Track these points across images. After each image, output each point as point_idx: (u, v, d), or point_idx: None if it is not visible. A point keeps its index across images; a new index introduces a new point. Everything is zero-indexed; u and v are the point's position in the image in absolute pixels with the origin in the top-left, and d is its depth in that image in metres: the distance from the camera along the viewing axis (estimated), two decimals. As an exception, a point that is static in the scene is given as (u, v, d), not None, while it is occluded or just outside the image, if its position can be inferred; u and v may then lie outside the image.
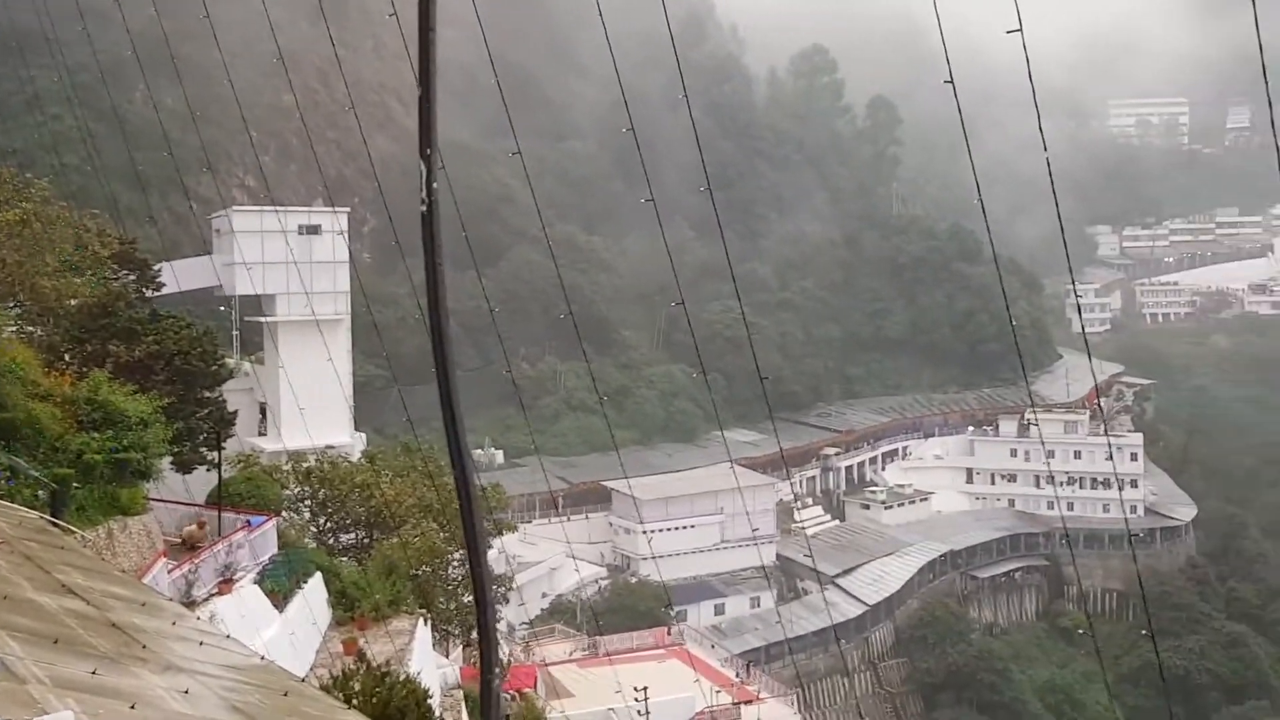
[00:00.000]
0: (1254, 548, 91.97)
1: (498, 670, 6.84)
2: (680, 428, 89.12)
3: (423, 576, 30.61)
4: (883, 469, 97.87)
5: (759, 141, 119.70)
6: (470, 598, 31.49)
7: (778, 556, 78.57)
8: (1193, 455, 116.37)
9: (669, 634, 56.95)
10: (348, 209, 61.90)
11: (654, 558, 73.55)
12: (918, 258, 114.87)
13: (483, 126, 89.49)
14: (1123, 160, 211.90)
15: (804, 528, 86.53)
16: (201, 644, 7.02)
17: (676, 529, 75.47)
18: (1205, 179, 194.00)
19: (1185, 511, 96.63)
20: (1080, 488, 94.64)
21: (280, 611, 21.49)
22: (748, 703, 45.03)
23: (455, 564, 31.89)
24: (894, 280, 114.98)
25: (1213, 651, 79.64)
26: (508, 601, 33.69)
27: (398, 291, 75.84)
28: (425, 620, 25.24)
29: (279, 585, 22.23)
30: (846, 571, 79.58)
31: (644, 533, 74.80)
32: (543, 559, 66.84)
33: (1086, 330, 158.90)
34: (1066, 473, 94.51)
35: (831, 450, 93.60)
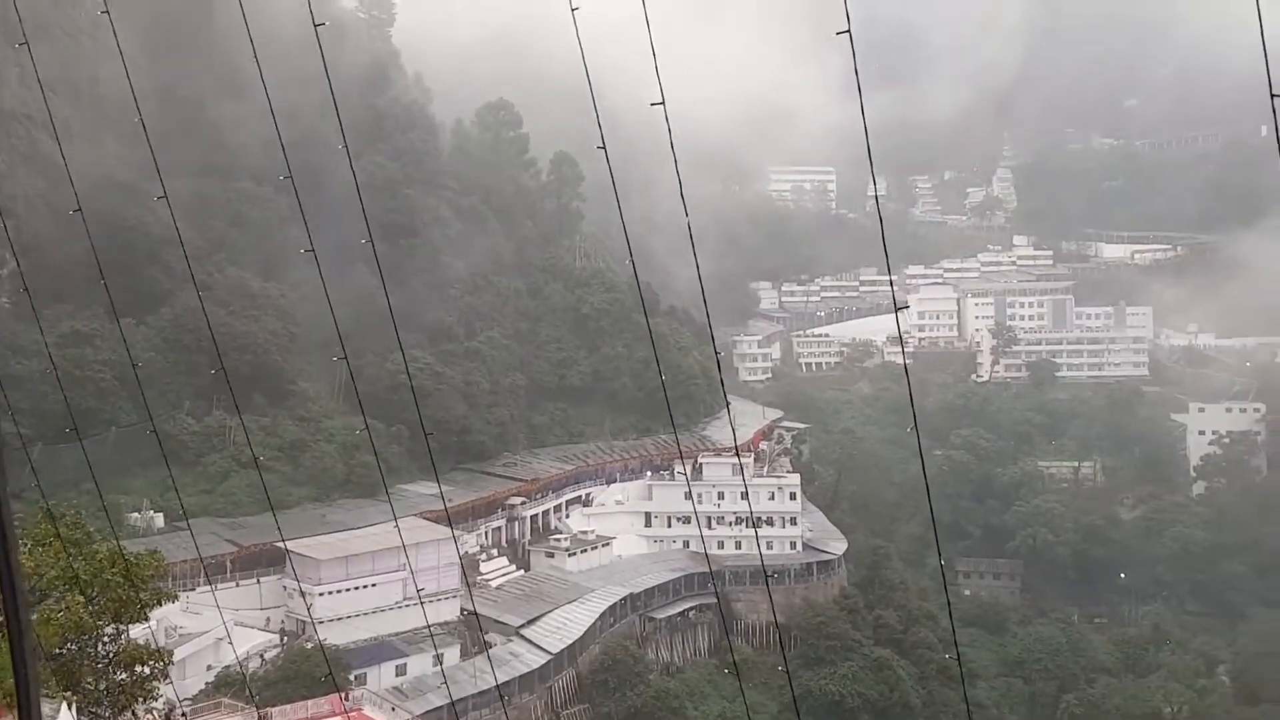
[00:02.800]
0: (896, 576, 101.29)
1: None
2: (362, 482, 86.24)
3: (67, 655, 27.59)
4: (567, 516, 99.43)
5: (445, 191, 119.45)
6: (124, 675, 28.75)
7: (462, 610, 77.54)
8: (843, 492, 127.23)
9: (346, 699, 54.57)
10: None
11: (329, 620, 70.40)
12: (600, 309, 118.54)
13: (148, 165, 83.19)
14: (780, 221, 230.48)
15: (489, 580, 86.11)
16: None
17: (357, 588, 72.73)
18: (850, 241, 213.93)
19: (838, 545, 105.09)
20: (747, 527, 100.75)
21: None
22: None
23: (106, 640, 28.96)
24: (578, 330, 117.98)
25: (863, 675, 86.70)
26: (167, 678, 30.95)
27: (41, 341, 68.69)
28: (69, 704, 22.69)
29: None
30: (531, 621, 79.83)
31: (321, 594, 71.51)
32: (208, 629, 62.11)
33: (750, 379, 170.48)
34: (734, 513, 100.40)
35: (517, 500, 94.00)
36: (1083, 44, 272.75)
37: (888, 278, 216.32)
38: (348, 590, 72.63)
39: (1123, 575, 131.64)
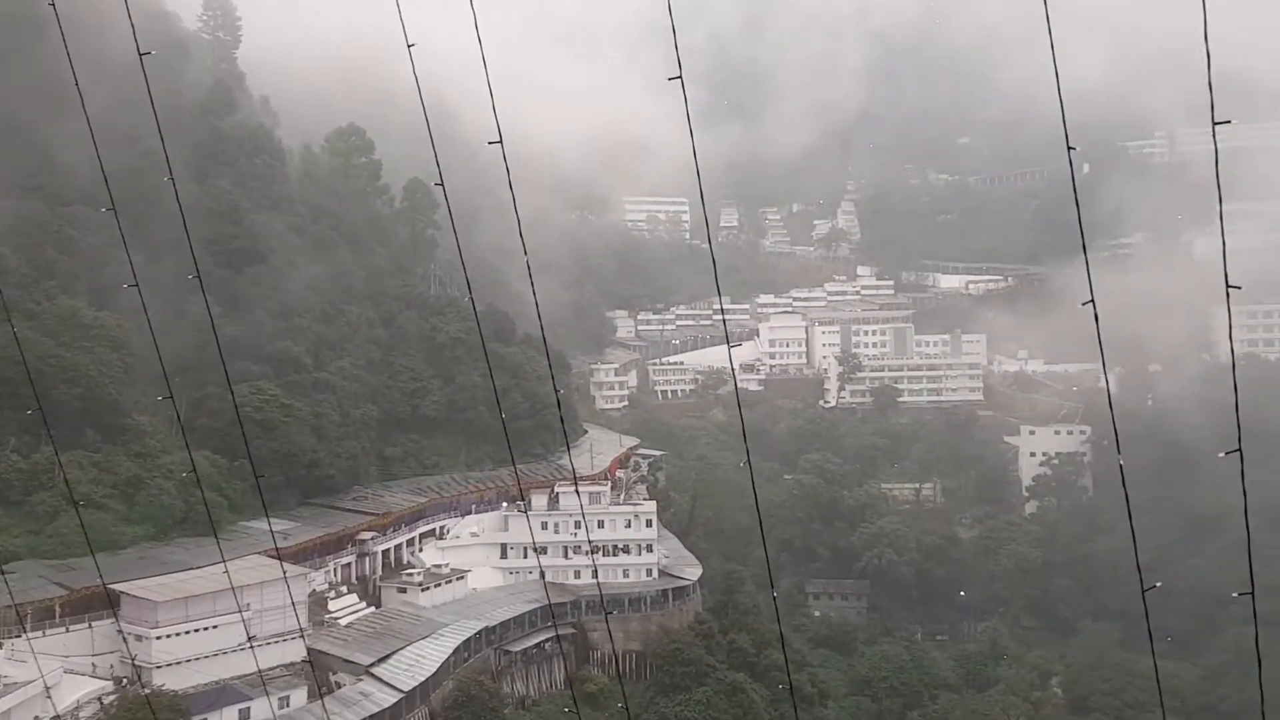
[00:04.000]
0: (749, 601, 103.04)
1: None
2: (203, 520, 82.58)
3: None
4: (420, 550, 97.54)
5: (294, 217, 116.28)
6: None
7: (309, 650, 75.02)
8: (698, 518, 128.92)
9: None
10: None
11: (167, 665, 67.22)
12: (455, 337, 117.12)
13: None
14: (636, 250, 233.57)
15: (338, 618, 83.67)
16: None
17: (197, 630, 69.57)
18: (703, 270, 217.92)
19: (692, 571, 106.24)
20: (604, 555, 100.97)
21: None
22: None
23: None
24: (432, 359, 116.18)
25: (718, 700, 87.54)
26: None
27: None
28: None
29: None
30: (382, 659, 77.79)
31: (158, 637, 68.18)
32: (35, 677, 58.37)
33: (607, 406, 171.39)
34: (591, 541, 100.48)
35: (368, 534, 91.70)
36: (918, 85, 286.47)
37: (741, 307, 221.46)
38: (187, 633, 69.39)
39: (962, 593, 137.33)
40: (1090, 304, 17.42)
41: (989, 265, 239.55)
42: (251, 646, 68.78)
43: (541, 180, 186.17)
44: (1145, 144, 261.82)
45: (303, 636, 73.89)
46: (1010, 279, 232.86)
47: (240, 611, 68.73)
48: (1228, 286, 15.82)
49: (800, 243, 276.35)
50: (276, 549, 70.66)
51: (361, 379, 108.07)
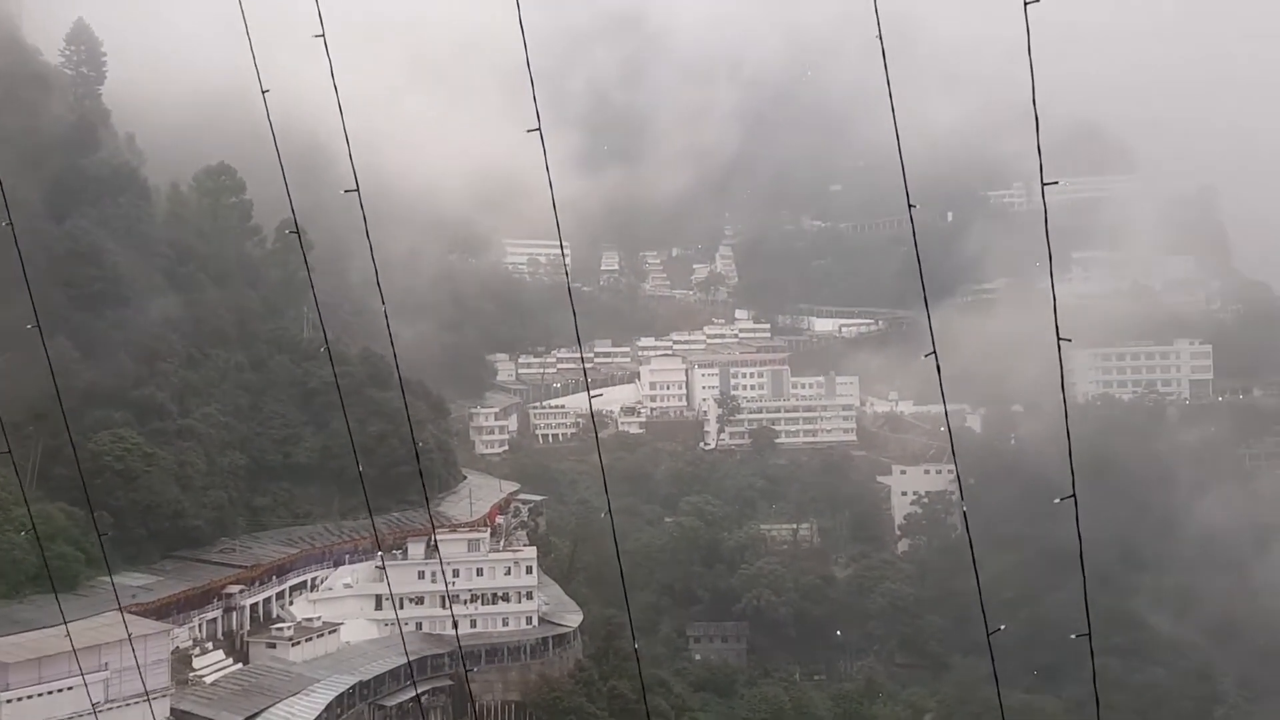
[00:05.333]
0: (628, 646, 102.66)
1: None
2: (59, 575, 78.23)
3: None
4: (290, 603, 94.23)
5: (160, 258, 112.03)
6: None
7: (172, 710, 71.56)
8: (579, 564, 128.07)
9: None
10: None
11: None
12: (329, 382, 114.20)
13: None
14: (517, 292, 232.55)
15: (203, 676, 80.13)
16: None
17: (51, 693, 65.64)
18: (584, 313, 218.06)
19: (573, 618, 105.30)
20: (482, 604, 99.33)
21: None
22: None
23: None
24: (305, 405, 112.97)
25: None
26: None
27: None
28: None
29: None
30: (251, 717, 74.71)
31: (9, 700, 64.13)
32: None
33: (487, 451, 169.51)
34: (470, 590, 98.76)
35: (236, 588, 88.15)
36: (790, 133, 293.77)
37: (622, 349, 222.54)
38: (40, 695, 65.45)
39: (839, 632, 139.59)
40: (933, 354, 18.40)
41: (860, 309, 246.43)
42: (109, 708, 65.39)
43: (418, 220, 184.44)
44: (1005, 193, 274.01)
45: (166, 696, 70.48)
46: (881, 322, 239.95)
47: (98, 671, 65.31)
48: (1059, 339, 16.94)
49: (680, 286, 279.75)
50: (120, 607, 67.27)
51: (229, 426, 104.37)
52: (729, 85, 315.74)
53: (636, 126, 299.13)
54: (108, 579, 79.38)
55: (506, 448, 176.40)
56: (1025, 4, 15.25)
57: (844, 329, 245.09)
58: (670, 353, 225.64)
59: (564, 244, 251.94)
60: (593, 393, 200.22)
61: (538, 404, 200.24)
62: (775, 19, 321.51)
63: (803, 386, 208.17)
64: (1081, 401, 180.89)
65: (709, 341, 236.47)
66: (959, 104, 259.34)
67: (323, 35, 18.41)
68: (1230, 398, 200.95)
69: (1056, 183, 16.21)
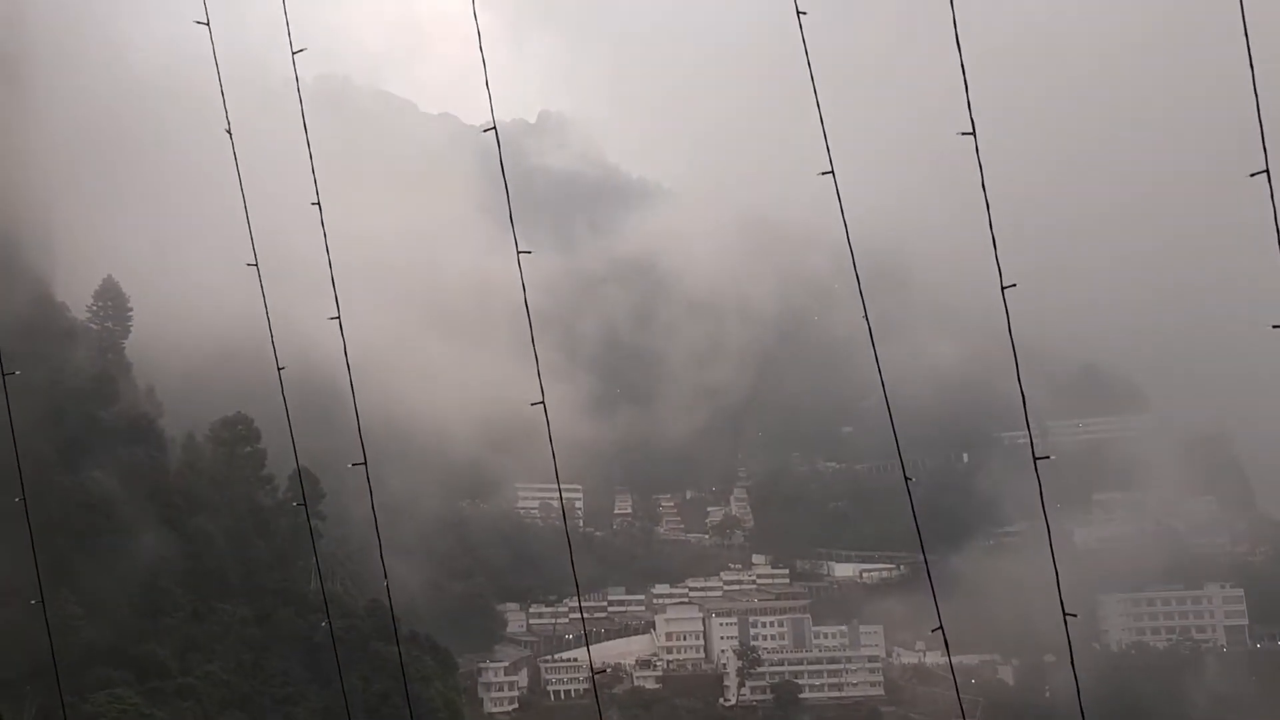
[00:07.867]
0: None
1: None
2: None
3: None
4: None
5: (171, 509, 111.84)
6: None
7: None
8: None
9: None
10: None
11: None
12: (335, 636, 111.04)
13: None
14: (528, 539, 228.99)
15: None
16: None
17: None
18: (598, 559, 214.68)
19: None
20: None
21: None
22: None
23: None
24: (309, 661, 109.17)
25: None
26: None
27: None
28: None
29: None
30: None
31: None
32: None
33: (496, 710, 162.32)
34: None
35: None
36: (799, 372, 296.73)
37: (637, 598, 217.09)
38: None
39: None
40: (939, 630, 17.44)
41: (880, 553, 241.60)
42: None
43: (429, 462, 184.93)
44: (1019, 434, 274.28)
45: None
46: (903, 567, 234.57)
47: None
48: (1064, 614, 16.06)
49: (695, 530, 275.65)
50: None
51: (230, 684, 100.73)
52: (735, 323, 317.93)
53: (648, 367, 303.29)
54: None
55: (516, 705, 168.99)
56: (1003, 288, 15.20)
57: (864, 574, 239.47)
58: (686, 600, 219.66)
59: (576, 487, 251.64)
60: (607, 644, 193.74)
61: (548, 656, 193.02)
62: (774, 262, 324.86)
63: (825, 636, 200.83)
64: (1116, 650, 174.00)
65: (725, 588, 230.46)
66: (959, 342, 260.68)
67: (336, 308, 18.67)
68: (1268, 644, 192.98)
69: (1048, 457, 15.68)
